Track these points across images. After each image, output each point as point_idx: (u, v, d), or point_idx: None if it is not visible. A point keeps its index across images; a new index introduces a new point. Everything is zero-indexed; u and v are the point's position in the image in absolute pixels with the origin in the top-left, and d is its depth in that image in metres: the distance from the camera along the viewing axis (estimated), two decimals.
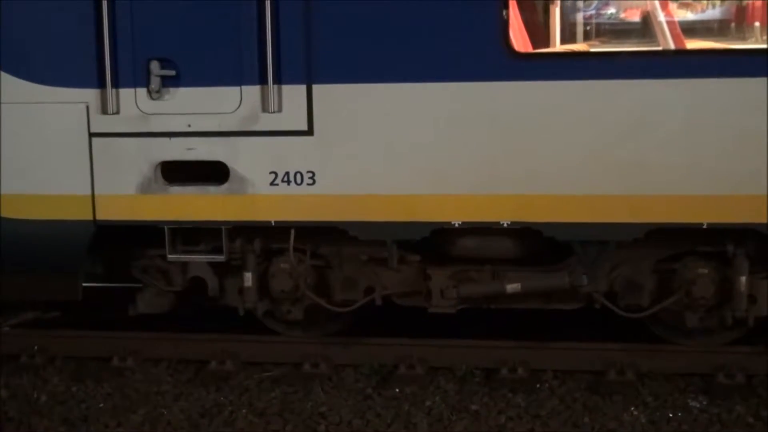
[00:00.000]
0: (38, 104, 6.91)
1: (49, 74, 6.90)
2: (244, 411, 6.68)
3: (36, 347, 7.71)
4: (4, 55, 6.90)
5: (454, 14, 6.40)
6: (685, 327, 7.05)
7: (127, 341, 7.66)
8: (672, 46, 7.99)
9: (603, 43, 10.39)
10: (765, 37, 9.26)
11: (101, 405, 6.86)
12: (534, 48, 7.40)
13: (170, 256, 7.17)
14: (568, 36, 9.14)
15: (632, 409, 6.47)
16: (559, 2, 8.93)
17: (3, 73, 6.90)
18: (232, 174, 6.79)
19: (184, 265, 7.42)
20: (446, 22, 6.42)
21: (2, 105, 6.94)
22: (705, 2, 11.16)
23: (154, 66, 6.73)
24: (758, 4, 10.67)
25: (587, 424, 6.31)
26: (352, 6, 6.48)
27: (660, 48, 7.90)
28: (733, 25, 11.29)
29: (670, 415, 6.38)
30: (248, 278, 7.16)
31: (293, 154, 6.71)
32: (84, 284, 7.50)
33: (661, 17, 8.42)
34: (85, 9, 6.72)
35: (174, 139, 6.82)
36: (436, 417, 6.49)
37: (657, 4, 8.56)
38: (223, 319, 7.75)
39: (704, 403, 6.51)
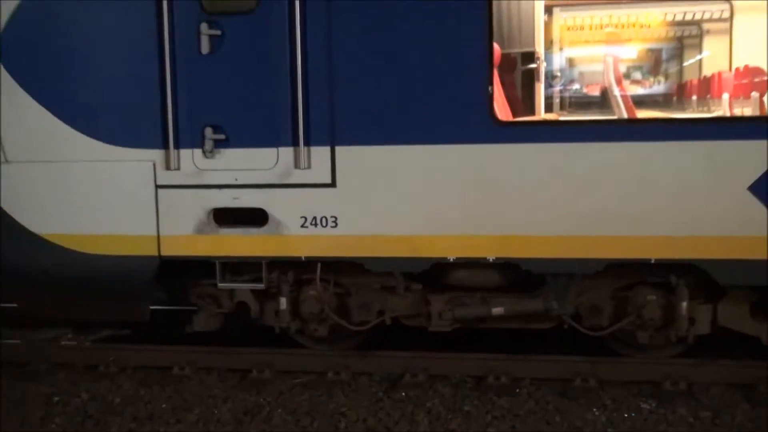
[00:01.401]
0: (115, 162, 6.95)
1: (124, 138, 6.95)
2: (279, 411, 6.66)
3: (111, 358, 7.70)
4: (90, 122, 6.97)
5: (449, 88, 6.44)
6: (637, 343, 7.03)
7: (184, 354, 7.65)
8: (625, 115, 8.04)
9: (570, 112, 10.44)
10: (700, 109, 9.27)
11: (164, 406, 6.85)
12: (513, 116, 7.45)
13: (220, 285, 7.17)
14: (545, 107, 9.21)
15: (594, 410, 6.43)
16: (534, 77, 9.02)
17: (88, 138, 6.96)
18: (270, 218, 6.81)
19: (232, 292, 7.41)
20: (442, 94, 6.46)
21: (86, 162, 7.00)
22: (651, 80, 11.26)
23: (208, 131, 6.77)
24: (694, 82, 10.74)
25: (558, 422, 6.28)
26: (367, 83, 6.53)
27: (615, 117, 7.95)
28: (674, 98, 11.35)
29: (626, 415, 6.34)
30: (283, 302, 7.16)
31: (319, 202, 6.73)
32: (150, 307, 7.53)
33: (617, 91, 8.46)
34: (152, 87, 6.79)
35: (223, 190, 6.84)
36: (435, 416, 6.45)
37: (612, 80, 8.61)
38: (262, 335, 7.73)
39: (653, 405, 6.46)
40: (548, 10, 9.72)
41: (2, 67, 7.05)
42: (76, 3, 6.89)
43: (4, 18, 7.00)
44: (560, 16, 10.41)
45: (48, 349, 8.05)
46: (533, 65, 8.95)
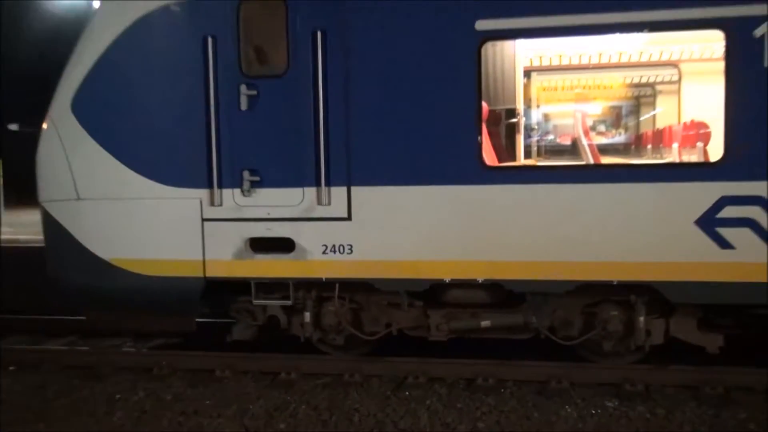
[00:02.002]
0: (168, 199, 7.01)
1: (175, 179, 7.00)
2: (303, 407, 6.62)
3: (164, 362, 7.67)
4: (147, 165, 7.03)
5: (445, 139, 6.49)
6: (602, 351, 7.01)
7: (225, 359, 7.62)
8: (591, 161, 8.06)
9: (546, 158, 10.46)
10: (653, 155, 9.28)
11: (207, 402, 6.81)
12: (498, 162, 7.47)
13: (255, 301, 7.19)
14: (524, 154, 9.24)
15: (567, 407, 6.38)
16: (516, 129, 9.06)
17: (145, 179, 7.02)
18: (296, 246, 6.84)
19: (264, 308, 7.40)
20: (440, 144, 6.50)
21: (144, 199, 7.06)
22: (614, 131, 11.31)
23: (246, 174, 6.83)
24: (649, 133, 10.77)
25: (536, 417, 6.23)
26: (378, 135, 6.59)
27: (584, 162, 7.98)
28: (633, 147, 11.38)
29: (593, 411, 6.29)
30: (307, 316, 7.18)
31: (337, 233, 6.75)
32: (196, 320, 7.54)
33: (584, 141, 8.50)
34: (200, 137, 6.86)
35: (258, 223, 6.88)
36: (433, 412, 6.42)
37: (581, 132, 8.65)
38: (289, 344, 7.72)
39: (616, 403, 6.42)
40: (527, 74, 9.79)
41: (76, 119, 7.13)
42: (136, 70, 6.98)
43: (78, 80, 7.10)
44: (537, 79, 10.49)
45: (111, 355, 8.05)
46: (515, 119, 9.00)
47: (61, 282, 7.45)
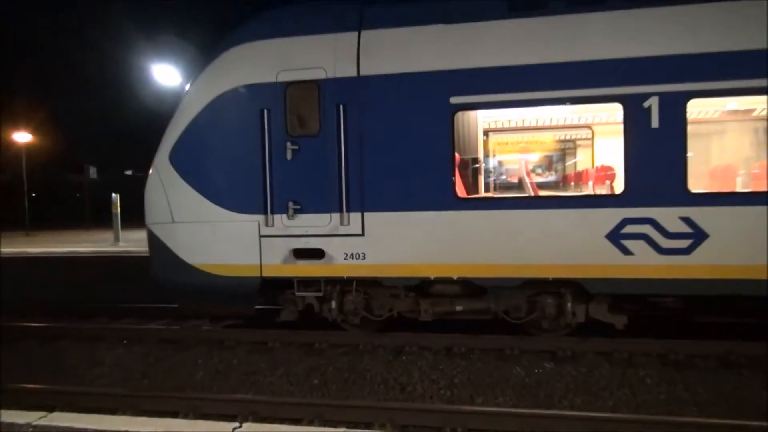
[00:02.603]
0: (236, 222, 7.01)
1: (241, 207, 7.00)
2: (330, 368, 6.62)
3: (232, 337, 7.68)
4: (221, 198, 7.03)
5: (430, 179, 6.50)
6: (541, 327, 6.99)
7: (275, 334, 7.61)
8: (532, 193, 8.08)
9: (500, 192, 10.46)
10: (574, 189, 9.27)
11: (262, 365, 6.81)
12: (467, 195, 7.49)
13: (297, 293, 7.17)
14: (485, 188, 9.25)
15: (517, 367, 6.38)
16: (478, 171, 9.08)
17: (220, 207, 7.02)
18: (326, 254, 6.84)
19: (303, 298, 7.39)
20: (426, 182, 6.51)
21: (219, 222, 7.04)
22: (547, 173, 11.35)
23: (290, 204, 6.85)
24: (572, 174, 10.80)
25: (495, 375, 6.23)
26: (383, 176, 6.61)
27: (526, 195, 7.99)
28: (561, 183, 11.39)
29: (536, 371, 6.29)
30: (333, 304, 7.17)
31: (354, 245, 6.75)
32: (255, 306, 7.52)
33: (527, 180, 8.52)
34: (259, 178, 6.89)
35: (299, 238, 6.88)
36: (423, 371, 6.42)
37: (524, 173, 8.67)
38: (321, 323, 7.72)
39: (552, 364, 6.41)
40: (486, 133, 9.86)
41: (172, 166, 7.18)
42: (215, 132, 7.04)
43: (174, 139, 7.16)
44: (493, 137, 10.55)
45: (195, 332, 8.04)
46: (477, 165, 9.05)
47: (160, 280, 7.45)
